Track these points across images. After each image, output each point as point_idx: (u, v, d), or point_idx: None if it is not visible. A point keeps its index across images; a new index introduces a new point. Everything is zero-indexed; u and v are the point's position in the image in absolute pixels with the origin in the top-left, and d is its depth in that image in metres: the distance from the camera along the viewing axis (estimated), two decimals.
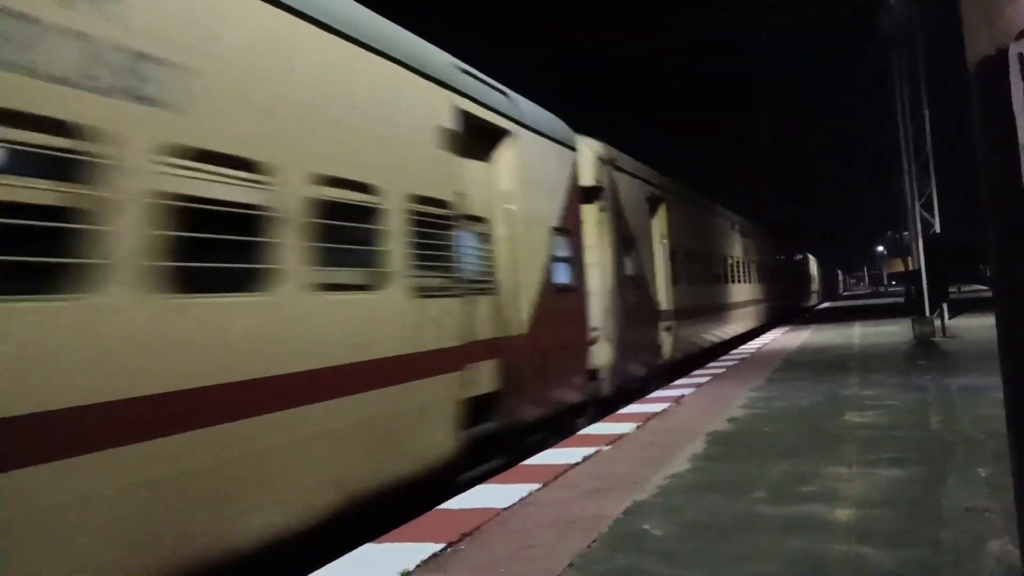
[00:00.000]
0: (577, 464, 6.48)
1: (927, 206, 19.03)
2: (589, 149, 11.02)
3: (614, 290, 11.14)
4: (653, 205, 14.26)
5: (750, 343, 19.73)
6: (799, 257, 45.16)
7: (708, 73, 38.88)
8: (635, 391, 11.53)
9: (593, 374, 10.17)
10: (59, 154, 3.26)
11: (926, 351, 14.42)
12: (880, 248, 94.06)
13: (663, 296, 14.16)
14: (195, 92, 3.96)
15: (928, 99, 18.82)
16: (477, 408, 6.65)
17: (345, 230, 5.13)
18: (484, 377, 6.90)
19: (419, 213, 5.94)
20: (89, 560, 3.24)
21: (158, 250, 3.66)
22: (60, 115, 3.24)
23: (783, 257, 36.76)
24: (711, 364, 14.92)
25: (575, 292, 9.54)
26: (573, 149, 9.97)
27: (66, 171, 3.30)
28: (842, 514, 4.56)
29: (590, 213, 10.72)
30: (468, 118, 6.97)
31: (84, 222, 3.34)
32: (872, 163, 34.84)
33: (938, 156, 19.17)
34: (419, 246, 5.90)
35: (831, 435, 6.98)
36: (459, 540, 4.52)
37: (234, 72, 4.29)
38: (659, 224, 14.53)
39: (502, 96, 7.95)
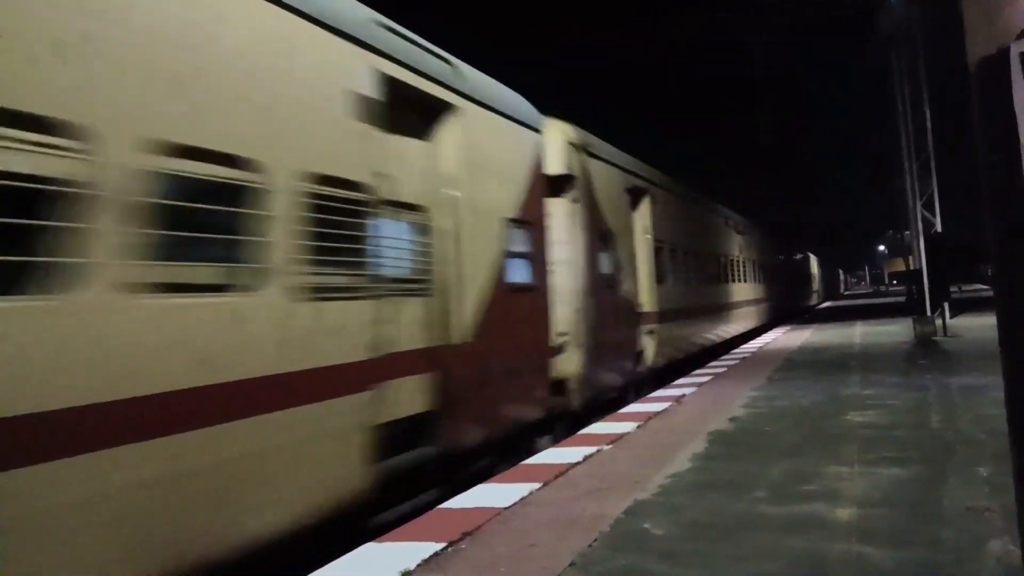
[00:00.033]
0: (578, 463, 6.49)
1: (928, 206, 19.04)
2: (558, 132, 9.69)
3: (587, 290, 9.86)
4: (635, 197, 12.89)
5: (751, 343, 19.73)
6: (799, 256, 45.11)
7: (708, 73, 39.09)
8: (613, 402, 10.40)
9: (559, 385, 9.00)
10: None
11: (927, 350, 14.42)
12: (881, 247, 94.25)
13: (645, 296, 12.81)
14: None
15: (928, 99, 18.84)
16: (399, 434, 5.54)
17: (196, 214, 4.02)
18: (410, 396, 5.77)
19: (318, 196, 4.81)
20: None
21: None
22: None
23: (783, 256, 36.71)
24: (712, 363, 14.91)
25: (535, 292, 8.27)
26: (538, 131, 8.69)
27: None
28: (843, 513, 4.57)
29: (559, 204, 9.52)
30: (397, 86, 5.83)
31: None
32: (872, 163, 35.02)
33: (939, 156, 19.22)
34: (316, 236, 4.75)
35: (832, 434, 6.99)
36: (460, 539, 4.52)
37: None
38: (642, 218, 13.16)
39: (444, 64, 6.72)
